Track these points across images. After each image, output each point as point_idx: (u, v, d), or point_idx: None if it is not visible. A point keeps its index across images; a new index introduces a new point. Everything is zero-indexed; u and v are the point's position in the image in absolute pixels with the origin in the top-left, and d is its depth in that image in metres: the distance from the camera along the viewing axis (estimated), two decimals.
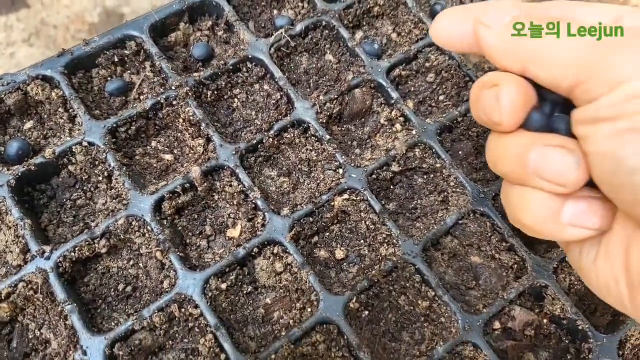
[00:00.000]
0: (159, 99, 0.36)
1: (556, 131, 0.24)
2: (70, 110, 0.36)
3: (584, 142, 0.22)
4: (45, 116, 0.37)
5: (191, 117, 0.36)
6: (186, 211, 0.36)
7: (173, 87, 0.37)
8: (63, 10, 1.15)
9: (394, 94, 0.39)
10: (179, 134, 0.38)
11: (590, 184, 0.23)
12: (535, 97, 0.24)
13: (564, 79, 0.22)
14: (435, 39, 0.28)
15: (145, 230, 0.33)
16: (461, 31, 0.27)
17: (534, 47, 0.23)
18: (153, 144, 0.37)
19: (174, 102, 0.37)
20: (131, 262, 0.34)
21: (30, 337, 0.32)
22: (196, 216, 0.36)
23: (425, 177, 0.38)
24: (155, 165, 0.37)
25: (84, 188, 0.36)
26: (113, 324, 0.32)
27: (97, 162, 0.35)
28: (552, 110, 0.24)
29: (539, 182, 0.24)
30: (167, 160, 0.37)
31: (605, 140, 0.21)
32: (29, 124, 0.36)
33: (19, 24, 1.21)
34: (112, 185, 0.35)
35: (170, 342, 0.32)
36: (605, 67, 0.21)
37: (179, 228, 0.35)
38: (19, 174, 0.33)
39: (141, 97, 0.38)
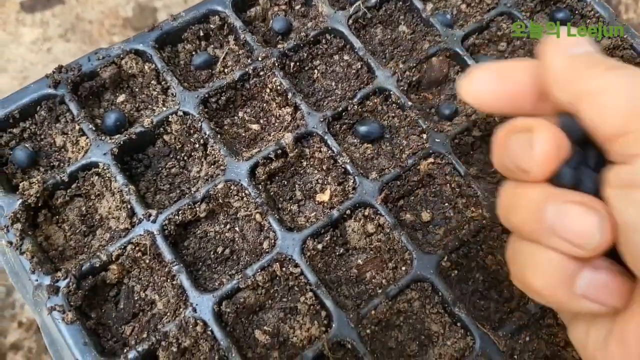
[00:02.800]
0: (246, 69, 0.37)
1: (582, 189, 0.22)
2: (163, 83, 0.37)
3: (615, 208, 0.20)
4: (137, 89, 0.38)
5: (278, 87, 0.37)
6: (277, 177, 0.37)
7: (259, 59, 0.38)
8: (97, 6, 1.17)
9: (470, 62, 0.40)
10: (265, 105, 0.39)
11: (609, 255, 0.21)
12: (568, 150, 0.22)
13: (610, 125, 0.20)
14: (470, 100, 0.26)
15: (243, 194, 0.35)
16: (502, 91, 0.25)
17: (594, 84, 0.21)
18: (240, 114, 0.38)
19: (261, 73, 0.38)
20: (228, 227, 0.35)
21: (136, 298, 0.34)
22: (286, 182, 0.37)
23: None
24: (243, 134, 0.38)
25: (178, 157, 0.37)
26: (216, 284, 0.34)
27: (192, 131, 0.36)
28: (580, 164, 0.22)
29: (555, 241, 0.21)
30: (255, 129, 0.38)
31: (636, 210, 0.19)
32: (121, 97, 0.38)
33: (54, 19, 1.23)
34: (207, 152, 0.36)
35: (270, 301, 0.34)
36: None
37: (271, 193, 0.36)
38: (121, 142, 0.35)
39: (226, 70, 0.39)
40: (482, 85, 0.26)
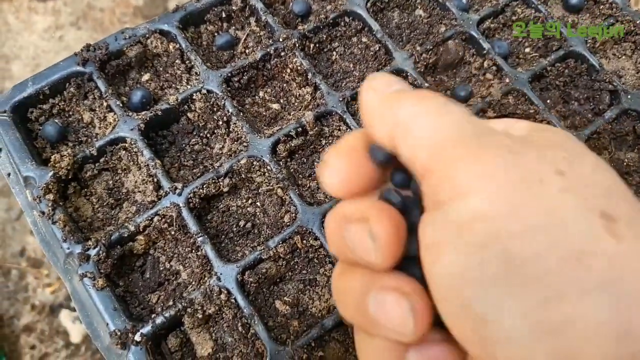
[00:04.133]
0: (268, 50, 0.39)
1: (409, 219, 0.20)
2: (187, 62, 0.39)
3: (428, 272, 0.18)
4: (161, 68, 0.39)
5: (299, 67, 0.39)
6: (296, 155, 0.38)
7: (280, 40, 0.39)
8: None
9: (486, 45, 0.41)
10: (285, 84, 0.40)
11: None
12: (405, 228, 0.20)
13: (418, 159, 0.19)
14: (336, 193, 0.22)
15: (265, 170, 0.36)
16: (365, 175, 0.22)
17: (405, 115, 0.20)
18: (261, 94, 0.40)
19: (282, 54, 0.39)
20: (249, 201, 0.36)
21: (162, 268, 0.35)
22: (305, 160, 0.38)
23: None
24: (264, 113, 0.39)
25: (201, 134, 0.38)
26: (239, 255, 0.35)
27: (215, 109, 0.37)
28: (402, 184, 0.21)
29: (380, 330, 0.20)
30: (275, 109, 0.39)
31: (447, 276, 0.17)
32: (146, 76, 0.39)
33: (66, 8, 1.25)
34: (230, 129, 0.37)
35: (290, 273, 0.35)
36: (458, 168, 0.17)
37: (291, 170, 0.37)
38: (147, 118, 0.36)
39: (247, 51, 0.40)
40: (339, 176, 0.22)
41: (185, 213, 0.34)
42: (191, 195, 0.34)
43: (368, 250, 0.20)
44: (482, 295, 0.16)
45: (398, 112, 0.20)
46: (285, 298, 0.35)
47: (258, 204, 0.36)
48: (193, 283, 0.34)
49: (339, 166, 0.22)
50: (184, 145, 0.38)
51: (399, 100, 0.20)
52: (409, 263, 0.20)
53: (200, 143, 0.38)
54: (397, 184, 0.22)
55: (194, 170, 0.37)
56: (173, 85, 0.39)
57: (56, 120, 0.37)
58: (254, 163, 0.36)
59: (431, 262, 0.18)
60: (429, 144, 0.18)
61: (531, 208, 0.16)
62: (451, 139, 0.18)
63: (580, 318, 0.15)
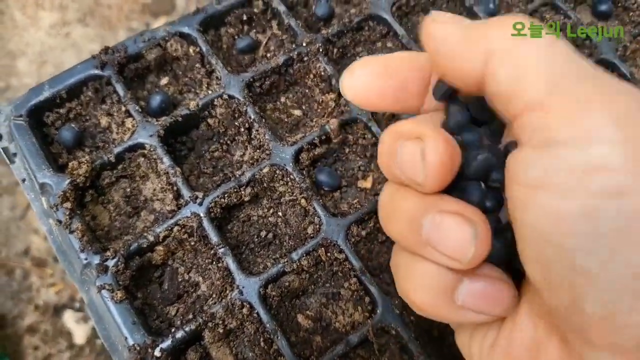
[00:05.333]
0: (291, 54, 0.37)
1: (468, 199, 0.20)
2: (207, 66, 0.37)
3: (517, 208, 0.18)
4: (180, 72, 0.38)
5: (322, 73, 0.37)
6: (319, 163, 0.37)
7: (304, 44, 0.38)
8: None
9: None
10: (307, 90, 0.39)
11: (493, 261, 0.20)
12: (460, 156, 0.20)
13: (526, 91, 0.17)
14: (353, 99, 0.23)
15: (288, 179, 0.35)
16: (384, 87, 0.22)
17: (507, 41, 0.18)
18: (282, 99, 0.38)
19: (305, 58, 0.38)
20: (271, 211, 0.35)
21: (180, 280, 0.34)
22: (328, 168, 0.37)
23: None
24: (286, 120, 0.38)
25: (221, 141, 0.37)
26: (260, 267, 0.34)
27: (236, 115, 0.36)
28: (477, 167, 0.20)
29: (431, 254, 0.20)
30: (297, 115, 0.38)
31: (548, 217, 0.16)
32: (164, 80, 0.38)
33: (73, 4, 1.23)
34: (252, 136, 0.36)
35: (312, 286, 0.34)
36: (585, 109, 0.16)
37: (314, 179, 0.36)
38: (167, 124, 0.35)
39: (268, 55, 0.39)
40: (365, 81, 0.23)
41: (206, 223, 0.33)
42: (212, 204, 0.33)
43: (417, 170, 0.20)
44: (590, 247, 0.15)
45: (495, 39, 0.18)
46: (307, 312, 0.33)
47: (280, 213, 0.35)
48: (214, 296, 0.33)
49: (362, 73, 0.22)
50: (203, 152, 0.37)
51: (490, 28, 0.18)
52: (465, 187, 0.20)
53: (220, 150, 0.37)
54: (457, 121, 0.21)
55: (214, 178, 0.36)
56: (192, 89, 0.38)
57: (73, 125, 0.36)
58: (277, 172, 0.35)
59: (531, 202, 0.17)
60: (543, 74, 0.16)
61: None
62: (573, 73, 0.16)
63: None
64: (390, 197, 0.22)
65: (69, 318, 0.98)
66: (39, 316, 0.99)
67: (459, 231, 0.19)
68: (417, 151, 0.20)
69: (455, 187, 0.21)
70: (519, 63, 0.17)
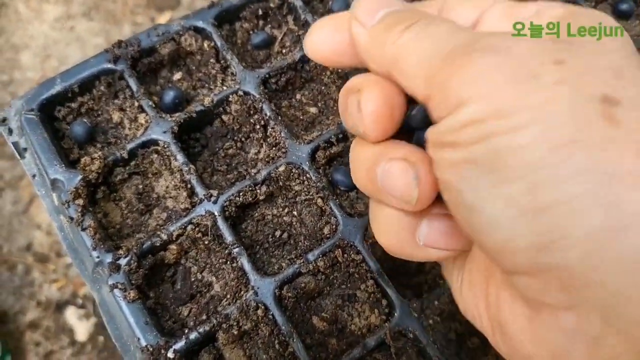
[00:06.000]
0: None
1: (418, 144, 0.21)
2: (222, 61, 0.37)
3: (434, 165, 0.20)
4: (194, 67, 0.37)
5: (339, 70, 0.37)
6: (335, 162, 0.36)
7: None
8: None
9: None
10: (324, 87, 0.38)
11: None
12: (405, 104, 0.21)
13: (416, 91, 0.20)
14: (310, 54, 0.24)
15: (304, 178, 0.34)
16: (339, 42, 0.23)
17: (393, 50, 0.20)
18: (298, 96, 0.38)
19: None
20: (286, 210, 0.35)
21: (193, 279, 0.33)
22: (344, 167, 0.36)
23: None
24: (301, 117, 0.37)
25: (235, 138, 0.36)
26: (275, 268, 0.33)
27: (252, 112, 0.35)
28: (418, 118, 0.21)
29: (387, 199, 0.21)
30: (313, 113, 0.37)
31: (446, 168, 0.19)
32: (177, 75, 0.37)
33: None
34: (268, 134, 0.35)
35: (328, 287, 0.33)
36: (449, 83, 0.18)
37: (330, 178, 0.36)
38: (181, 121, 0.34)
39: (283, 51, 0.38)
40: (321, 38, 0.24)
41: (220, 222, 0.32)
42: (227, 203, 0.33)
43: (357, 119, 0.21)
44: (471, 186, 0.18)
45: (386, 51, 0.20)
46: (322, 314, 0.33)
47: (295, 213, 0.35)
48: (228, 296, 0.32)
49: (321, 31, 0.24)
50: (217, 149, 0.36)
51: (385, 35, 0.20)
52: (419, 135, 0.21)
53: (235, 147, 0.36)
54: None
55: (228, 176, 0.35)
56: (206, 85, 0.37)
57: (85, 120, 0.35)
58: (293, 170, 0.34)
59: (436, 158, 0.19)
60: (420, 74, 0.19)
61: (521, 105, 0.17)
62: (437, 59, 0.18)
63: (565, 201, 0.16)
64: (353, 149, 0.24)
65: (71, 314, 0.98)
66: (41, 312, 0.98)
67: (403, 175, 0.20)
68: (356, 103, 0.21)
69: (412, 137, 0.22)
70: (403, 70, 0.20)
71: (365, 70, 0.23)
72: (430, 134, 0.20)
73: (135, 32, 1.17)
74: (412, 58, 0.19)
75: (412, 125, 0.21)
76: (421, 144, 0.21)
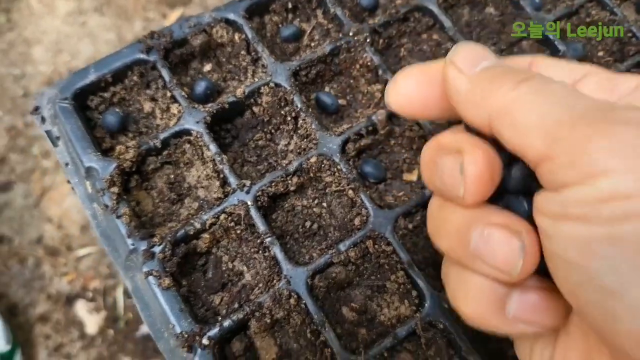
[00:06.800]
0: (338, 44, 0.37)
1: (512, 209, 0.20)
2: (253, 53, 0.37)
3: (545, 238, 0.18)
4: (224, 59, 0.38)
5: (369, 63, 0.37)
6: (364, 155, 0.36)
7: (351, 34, 0.37)
8: None
9: (561, 47, 0.39)
10: (352, 80, 0.38)
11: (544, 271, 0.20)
12: (502, 169, 0.20)
13: (530, 147, 0.18)
14: (395, 107, 0.24)
15: (335, 169, 0.34)
16: (426, 95, 0.23)
17: (505, 101, 0.19)
18: (326, 89, 0.38)
19: (352, 49, 0.37)
20: (316, 201, 0.35)
21: (224, 268, 0.33)
22: (374, 159, 0.36)
23: None
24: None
25: (265, 130, 0.36)
26: (306, 258, 0.33)
27: (282, 104, 0.36)
28: (517, 181, 0.20)
29: (480, 267, 0.20)
30: (341, 105, 0.38)
31: (572, 244, 0.17)
32: (207, 67, 0.37)
33: None
34: (299, 125, 0.35)
35: (358, 278, 0.33)
36: (583, 149, 0.16)
37: (359, 170, 0.36)
38: (214, 111, 0.34)
39: (312, 44, 0.39)
40: (408, 91, 0.23)
41: (253, 212, 0.32)
42: (259, 193, 0.33)
43: (457, 183, 0.20)
44: (613, 268, 0.16)
45: (495, 99, 0.19)
46: (352, 304, 0.33)
47: (324, 204, 0.35)
48: (260, 285, 0.32)
49: (406, 84, 0.23)
50: (247, 140, 0.36)
51: (492, 85, 0.19)
52: (511, 200, 0.20)
53: (264, 139, 0.36)
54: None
55: (258, 167, 0.35)
56: (236, 77, 0.37)
57: (117, 110, 0.35)
58: (324, 162, 0.34)
59: (554, 231, 0.17)
60: (540, 130, 0.17)
61: None
62: (566, 119, 0.17)
63: None
64: (438, 209, 0.23)
65: (80, 308, 0.98)
66: (51, 305, 0.99)
67: (507, 244, 0.19)
68: (457, 165, 0.20)
69: (500, 201, 0.21)
70: (516, 123, 0.18)
71: (446, 124, 0.23)
72: (546, 201, 0.18)
73: (146, 28, 1.18)
74: (533, 113, 0.18)
75: (508, 189, 0.20)
76: (512, 209, 0.20)
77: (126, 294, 0.99)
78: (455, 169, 0.20)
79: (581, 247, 0.17)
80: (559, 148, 0.17)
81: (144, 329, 0.96)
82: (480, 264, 0.20)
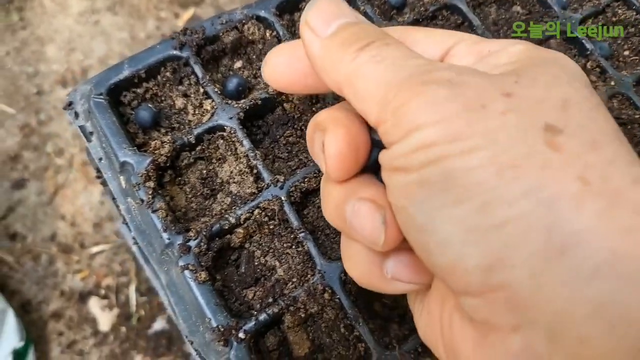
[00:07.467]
0: None
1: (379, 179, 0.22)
2: None
3: (387, 192, 0.20)
4: (254, 56, 0.38)
5: None
6: None
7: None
8: None
9: (589, 45, 0.39)
10: None
11: None
12: (369, 141, 0.22)
13: (370, 114, 0.20)
14: (268, 82, 0.26)
15: None
16: (295, 70, 0.25)
17: (347, 71, 0.21)
18: None
19: None
20: None
21: (257, 263, 0.34)
22: None
23: (622, 127, 0.38)
24: None
25: (295, 126, 0.37)
26: (338, 254, 0.33)
27: (314, 100, 0.36)
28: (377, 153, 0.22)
29: (355, 237, 0.22)
30: None
31: (398, 193, 0.19)
32: (238, 64, 0.38)
33: None
34: None
35: None
36: (403, 110, 0.19)
37: None
38: (247, 107, 0.35)
39: None
40: (277, 68, 0.25)
41: (287, 207, 0.33)
42: (293, 188, 0.33)
43: (319, 159, 0.22)
44: (422, 207, 0.18)
45: (339, 68, 0.21)
46: (384, 300, 0.33)
47: None
48: (293, 280, 0.32)
49: (276, 61, 0.25)
50: (278, 136, 0.36)
51: (338, 53, 0.21)
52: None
53: (295, 135, 0.36)
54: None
55: (289, 163, 0.36)
56: None
57: (150, 105, 0.35)
58: None
59: (389, 182, 0.20)
60: (375, 98, 0.20)
61: (471, 131, 0.18)
62: (395, 83, 0.19)
63: (511, 221, 0.17)
64: (323, 184, 0.25)
65: (94, 305, 0.98)
66: (64, 302, 0.99)
67: (370, 218, 0.21)
68: (319, 142, 0.22)
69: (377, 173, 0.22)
70: (357, 93, 0.20)
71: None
72: (383, 159, 0.20)
73: (159, 28, 1.18)
74: (368, 81, 0.20)
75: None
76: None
77: (139, 291, 0.99)
78: (319, 146, 0.22)
79: (403, 193, 0.19)
80: (387, 112, 0.19)
81: (156, 326, 0.97)
82: (355, 234, 0.22)
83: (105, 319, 0.98)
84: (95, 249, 1.00)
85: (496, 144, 0.17)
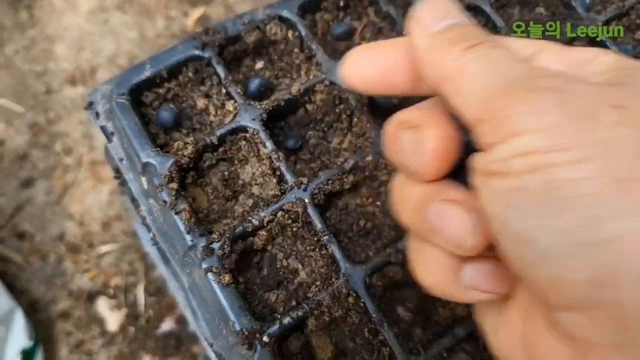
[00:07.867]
0: None
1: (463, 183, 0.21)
2: (306, 51, 0.37)
3: (478, 196, 0.19)
4: (276, 57, 0.38)
5: None
6: None
7: (404, 32, 0.37)
8: None
9: (613, 48, 0.39)
10: None
11: None
12: (462, 143, 0.21)
13: (468, 112, 0.20)
14: (347, 82, 0.26)
15: (390, 168, 0.34)
16: (373, 70, 0.25)
17: (451, 69, 0.20)
18: None
19: None
20: (369, 200, 0.35)
21: (279, 266, 0.33)
22: None
23: None
24: None
25: (317, 127, 0.36)
26: (362, 256, 0.33)
27: (337, 102, 0.36)
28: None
29: (437, 240, 0.21)
30: (394, 104, 0.37)
31: (493, 198, 0.18)
32: (259, 64, 0.37)
33: None
34: (353, 124, 0.35)
35: (412, 278, 0.33)
36: (506, 113, 0.18)
37: None
38: (270, 108, 0.34)
39: (363, 42, 0.38)
40: (356, 68, 0.25)
41: (310, 209, 0.32)
42: (316, 191, 0.33)
43: (414, 157, 0.21)
44: (520, 215, 0.17)
45: (444, 63, 0.21)
46: (407, 304, 0.33)
47: (378, 203, 0.35)
48: (317, 283, 0.32)
49: (354, 61, 0.25)
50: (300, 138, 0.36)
51: (448, 49, 0.21)
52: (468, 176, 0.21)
53: (317, 136, 0.36)
54: None
55: (311, 165, 0.35)
56: (288, 74, 0.37)
57: (171, 106, 0.35)
58: (380, 160, 0.34)
59: (483, 187, 0.19)
60: (477, 96, 0.19)
61: (580, 142, 0.17)
62: (500, 85, 0.19)
63: (618, 237, 0.16)
64: (400, 185, 0.24)
65: (102, 305, 0.98)
66: (72, 302, 0.99)
67: (460, 220, 0.20)
68: (415, 139, 0.21)
69: (460, 176, 0.21)
70: (459, 91, 0.20)
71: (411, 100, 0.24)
72: (478, 162, 0.19)
73: (168, 27, 1.18)
74: (473, 79, 0.20)
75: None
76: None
77: (147, 291, 0.99)
78: (413, 143, 0.21)
79: (499, 199, 0.18)
80: (489, 111, 0.19)
81: (165, 326, 0.96)
82: (436, 237, 0.21)
83: (113, 319, 0.97)
84: (103, 249, 1.00)
85: (609, 155, 0.17)
